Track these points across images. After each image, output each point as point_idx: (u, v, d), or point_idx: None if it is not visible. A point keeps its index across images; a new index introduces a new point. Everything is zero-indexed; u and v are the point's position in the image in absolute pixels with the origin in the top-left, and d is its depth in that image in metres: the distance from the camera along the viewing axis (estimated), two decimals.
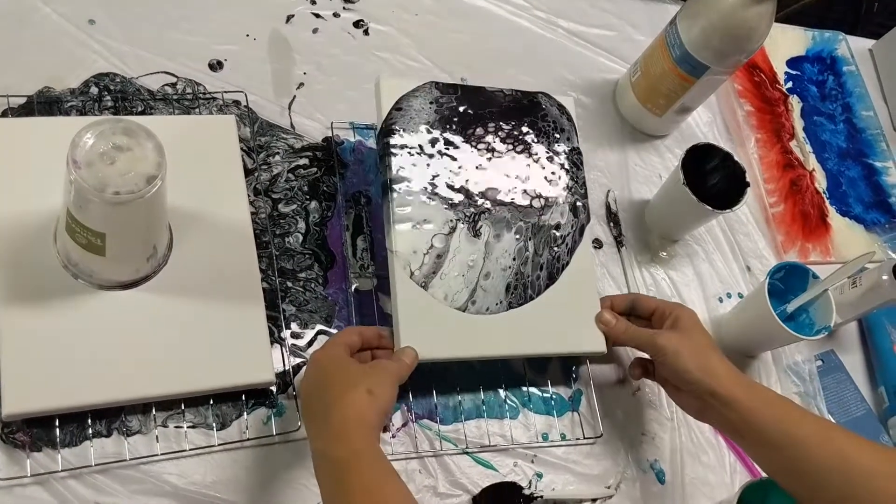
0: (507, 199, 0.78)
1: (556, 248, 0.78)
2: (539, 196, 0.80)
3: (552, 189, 0.81)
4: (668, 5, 1.09)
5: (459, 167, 0.77)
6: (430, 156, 0.76)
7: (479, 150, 0.79)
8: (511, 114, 0.82)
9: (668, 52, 0.87)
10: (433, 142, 0.77)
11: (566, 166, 0.82)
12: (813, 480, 0.63)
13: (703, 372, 0.69)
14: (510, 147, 0.80)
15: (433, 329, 0.71)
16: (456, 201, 0.76)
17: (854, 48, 1.18)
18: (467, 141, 0.79)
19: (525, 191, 0.79)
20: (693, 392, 0.70)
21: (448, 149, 0.77)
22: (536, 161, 0.81)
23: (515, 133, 0.81)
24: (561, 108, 0.84)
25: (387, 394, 0.62)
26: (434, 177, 0.76)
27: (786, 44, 1.14)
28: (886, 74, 1.18)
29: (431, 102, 0.78)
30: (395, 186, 0.74)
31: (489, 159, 0.79)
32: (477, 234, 0.76)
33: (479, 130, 0.80)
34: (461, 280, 0.73)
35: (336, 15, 0.91)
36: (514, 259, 0.76)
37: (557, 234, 0.79)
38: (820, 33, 1.17)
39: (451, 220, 0.75)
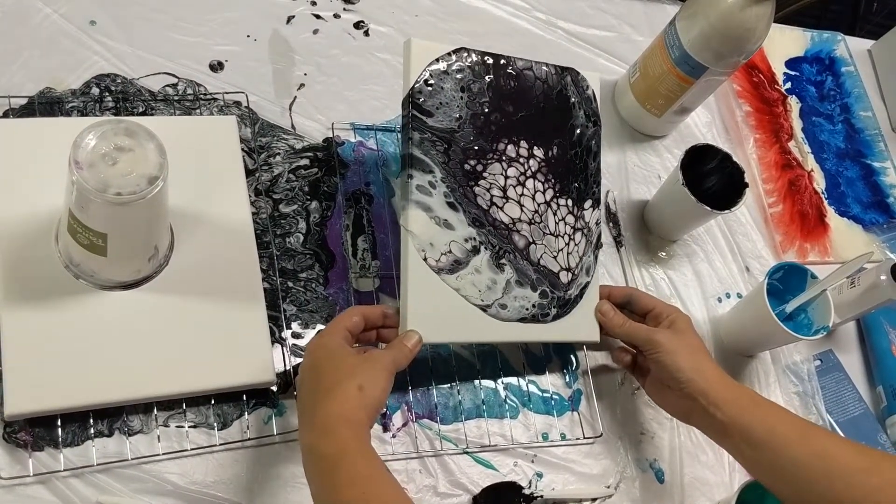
0: (535, 257, 0.74)
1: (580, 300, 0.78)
2: (568, 269, 0.76)
3: (580, 249, 0.78)
4: (667, 6, 1.09)
5: (488, 188, 0.73)
6: (459, 161, 0.72)
7: (509, 176, 0.74)
8: (543, 125, 0.77)
9: (667, 53, 0.88)
10: (463, 151, 0.72)
11: (595, 192, 0.79)
12: (794, 476, 0.65)
13: (695, 372, 0.70)
14: (540, 188, 0.76)
15: (441, 312, 0.70)
16: (480, 221, 0.72)
17: (853, 49, 1.18)
18: (498, 160, 0.74)
19: (555, 257, 0.76)
20: (683, 391, 0.70)
21: (477, 164, 0.73)
22: (565, 216, 0.77)
23: (547, 167, 0.76)
24: (588, 102, 0.80)
25: (379, 388, 0.61)
26: (460, 185, 0.71)
27: (784, 44, 1.14)
28: (885, 75, 1.18)
29: (463, 90, 0.73)
30: (417, 168, 0.70)
31: (520, 193, 0.74)
32: (500, 268, 0.73)
33: (511, 149, 0.74)
34: (476, 293, 0.72)
35: (336, 16, 0.91)
36: (533, 306, 0.74)
37: (584, 291, 0.78)
38: (818, 34, 1.17)
39: (474, 239, 0.72)
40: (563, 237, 0.77)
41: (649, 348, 0.73)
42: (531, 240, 0.75)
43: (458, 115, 0.73)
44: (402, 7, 0.95)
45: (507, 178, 0.74)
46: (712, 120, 1.04)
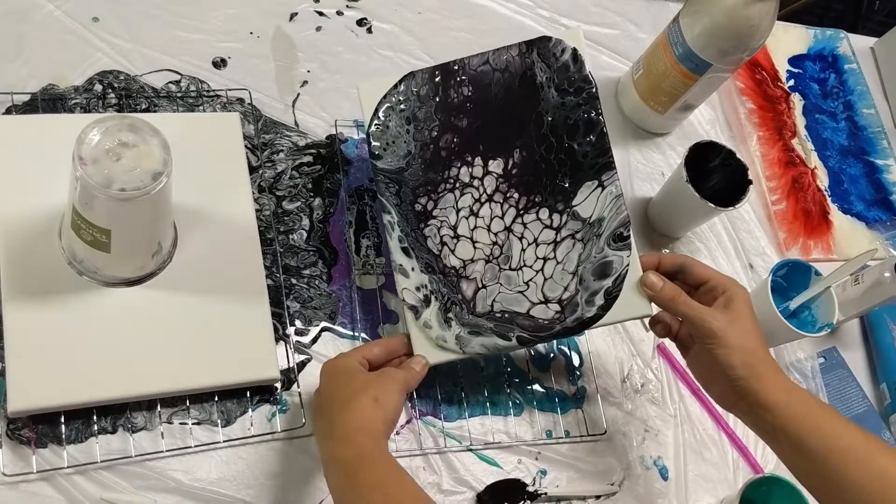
0: (484, 306, 0.68)
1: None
2: (546, 301, 0.69)
3: (572, 262, 0.69)
4: (670, 3, 1.09)
5: (438, 227, 0.69)
6: (410, 202, 0.70)
7: (460, 207, 0.69)
8: (503, 128, 0.71)
9: (671, 50, 0.87)
10: (413, 191, 0.70)
11: (600, 169, 0.70)
12: (849, 496, 0.60)
13: (748, 370, 0.64)
14: (499, 211, 0.69)
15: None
16: (432, 267, 0.69)
17: (855, 46, 1.18)
18: (452, 188, 0.69)
19: (523, 292, 0.68)
20: (731, 387, 0.65)
21: (428, 202, 0.70)
22: (538, 235, 0.69)
23: (507, 181, 0.70)
24: (563, 70, 0.71)
25: (393, 402, 0.62)
26: (412, 228, 0.69)
27: (787, 42, 1.14)
28: (888, 72, 1.18)
29: (408, 121, 0.70)
30: (382, 210, 0.70)
31: (473, 226, 0.69)
32: (447, 322, 0.68)
33: (464, 172, 0.69)
34: (447, 340, 0.69)
35: (339, 13, 0.91)
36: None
37: (611, 294, 0.69)
38: (822, 31, 1.17)
39: (426, 287, 0.68)
40: (530, 267, 0.70)
41: (703, 336, 0.66)
42: (480, 284, 0.69)
43: (405, 152, 0.71)
44: (405, 4, 0.94)
45: (458, 210, 0.70)
46: (715, 117, 1.04)
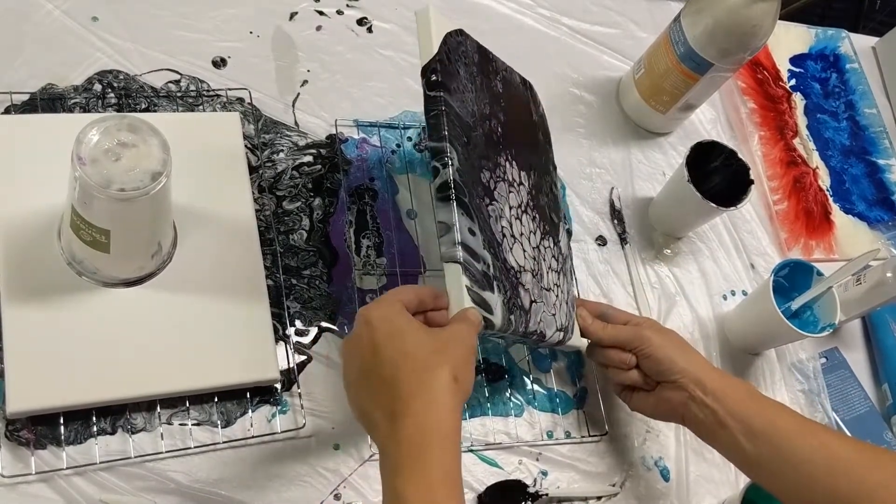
0: (535, 322, 0.61)
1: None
2: (562, 328, 0.68)
3: (564, 293, 0.69)
4: (671, 2, 1.09)
5: (499, 217, 0.59)
6: (477, 167, 0.59)
7: (511, 205, 0.61)
8: (525, 144, 0.68)
9: (672, 50, 0.87)
10: (479, 158, 0.59)
11: (564, 217, 0.74)
12: (795, 471, 0.63)
13: (688, 363, 0.69)
14: (531, 227, 0.64)
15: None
16: (494, 251, 0.59)
17: (857, 46, 1.17)
18: (503, 178, 0.61)
19: (554, 315, 0.65)
20: (675, 383, 0.68)
21: (490, 180, 0.59)
22: (549, 261, 0.67)
23: (532, 201, 0.66)
24: (542, 120, 0.74)
25: (471, 375, 0.53)
26: (477, 194, 0.58)
27: (789, 41, 1.14)
28: (890, 72, 1.18)
29: (472, 79, 0.60)
30: (448, 152, 0.56)
31: (520, 232, 0.62)
32: (508, 323, 0.59)
33: (509, 169, 0.61)
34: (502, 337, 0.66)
35: (339, 12, 0.91)
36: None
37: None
38: (823, 31, 1.17)
39: (487, 265, 0.56)
40: (552, 290, 0.67)
41: (638, 345, 0.70)
42: (533, 298, 0.63)
43: (472, 110, 0.60)
44: (405, 3, 0.94)
45: (510, 207, 0.61)
46: (717, 117, 1.03)
